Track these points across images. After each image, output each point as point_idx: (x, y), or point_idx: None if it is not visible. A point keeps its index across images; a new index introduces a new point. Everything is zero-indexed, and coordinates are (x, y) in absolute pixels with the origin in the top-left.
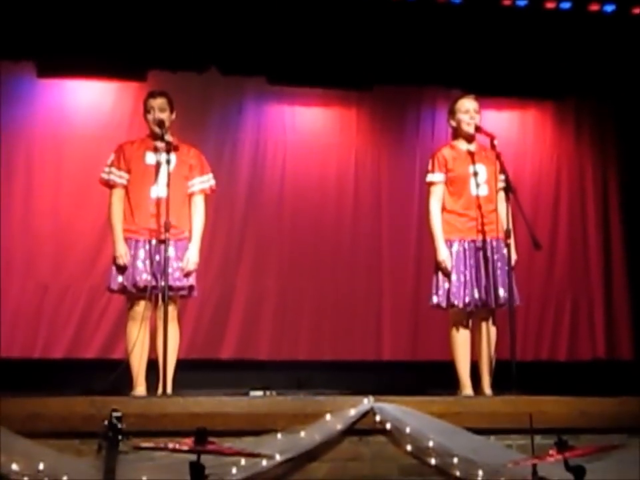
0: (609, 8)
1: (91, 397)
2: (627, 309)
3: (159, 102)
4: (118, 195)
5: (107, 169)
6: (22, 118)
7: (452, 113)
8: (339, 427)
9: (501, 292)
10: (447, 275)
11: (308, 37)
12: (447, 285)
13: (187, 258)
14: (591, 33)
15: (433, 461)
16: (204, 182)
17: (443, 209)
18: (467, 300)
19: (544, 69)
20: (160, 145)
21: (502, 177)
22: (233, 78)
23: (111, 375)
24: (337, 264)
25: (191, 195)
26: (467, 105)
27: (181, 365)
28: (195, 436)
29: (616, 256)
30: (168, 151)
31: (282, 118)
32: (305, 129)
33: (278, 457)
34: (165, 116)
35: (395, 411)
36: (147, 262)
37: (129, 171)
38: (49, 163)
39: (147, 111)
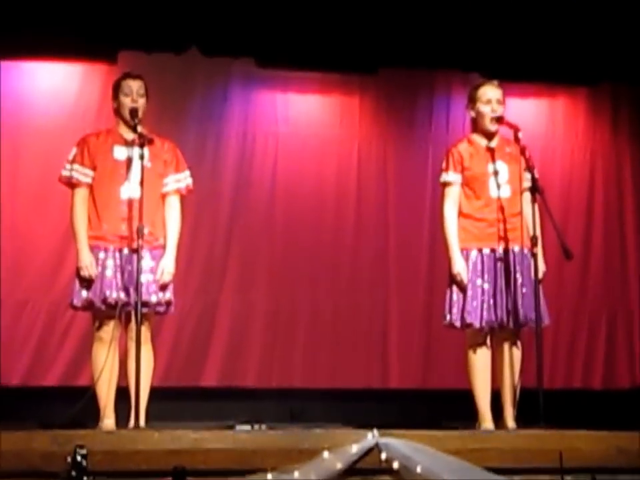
0: None
1: (51, 430)
2: None
3: (137, 85)
4: (81, 196)
5: (68, 166)
6: None
7: (472, 101)
8: (339, 465)
9: (526, 309)
10: (463, 289)
11: (303, 13)
12: (461, 302)
13: (161, 267)
14: (629, 9)
15: None
16: (180, 180)
17: (459, 213)
18: (484, 318)
19: (576, 50)
20: (131, 137)
21: (527, 175)
22: (217, 60)
23: (75, 405)
24: (337, 276)
25: (164, 196)
26: (490, 93)
27: (155, 393)
28: (172, 476)
29: None
30: (141, 145)
31: (273, 107)
32: (300, 119)
33: None
34: (142, 102)
35: (403, 447)
36: (118, 274)
37: (94, 168)
38: (4, 158)
39: (122, 94)
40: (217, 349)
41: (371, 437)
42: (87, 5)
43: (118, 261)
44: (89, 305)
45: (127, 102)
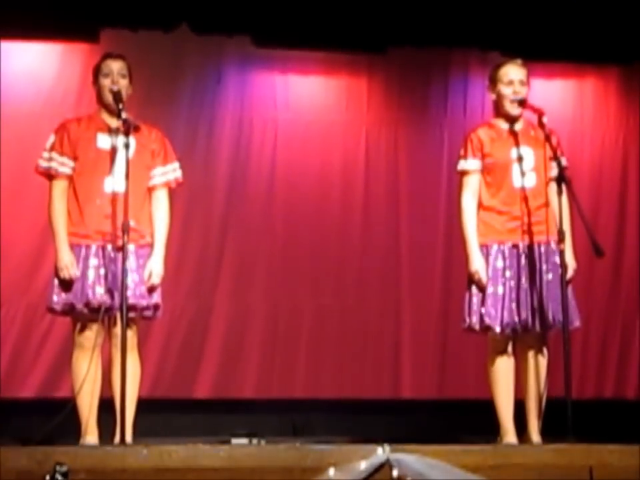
0: None
1: (28, 447)
2: None
3: (118, 65)
4: (60, 188)
5: (45, 154)
6: None
7: (492, 82)
8: None
9: (553, 310)
10: (482, 289)
11: None
12: (480, 303)
13: (149, 269)
14: None
15: None
16: (167, 172)
17: (479, 205)
18: (505, 321)
19: (606, 25)
20: (115, 124)
21: (553, 163)
22: (209, 38)
23: (54, 419)
24: (343, 277)
25: (151, 189)
26: (512, 74)
27: (143, 405)
28: None
29: None
30: (127, 132)
31: (272, 90)
32: (302, 103)
33: None
34: (124, 83)
35: (417, 463)
36: (101, 274)
37: (75, 158)
38: None
39: (102, 75)
40: (211, 357)
41: (382, 452)
42: None
43: (101, 260)
44: (69, 309)
45: (106, 84)
